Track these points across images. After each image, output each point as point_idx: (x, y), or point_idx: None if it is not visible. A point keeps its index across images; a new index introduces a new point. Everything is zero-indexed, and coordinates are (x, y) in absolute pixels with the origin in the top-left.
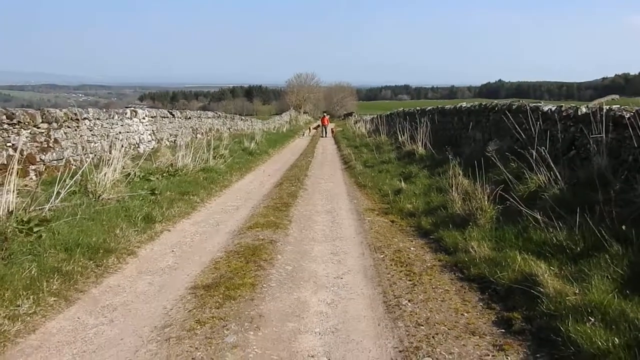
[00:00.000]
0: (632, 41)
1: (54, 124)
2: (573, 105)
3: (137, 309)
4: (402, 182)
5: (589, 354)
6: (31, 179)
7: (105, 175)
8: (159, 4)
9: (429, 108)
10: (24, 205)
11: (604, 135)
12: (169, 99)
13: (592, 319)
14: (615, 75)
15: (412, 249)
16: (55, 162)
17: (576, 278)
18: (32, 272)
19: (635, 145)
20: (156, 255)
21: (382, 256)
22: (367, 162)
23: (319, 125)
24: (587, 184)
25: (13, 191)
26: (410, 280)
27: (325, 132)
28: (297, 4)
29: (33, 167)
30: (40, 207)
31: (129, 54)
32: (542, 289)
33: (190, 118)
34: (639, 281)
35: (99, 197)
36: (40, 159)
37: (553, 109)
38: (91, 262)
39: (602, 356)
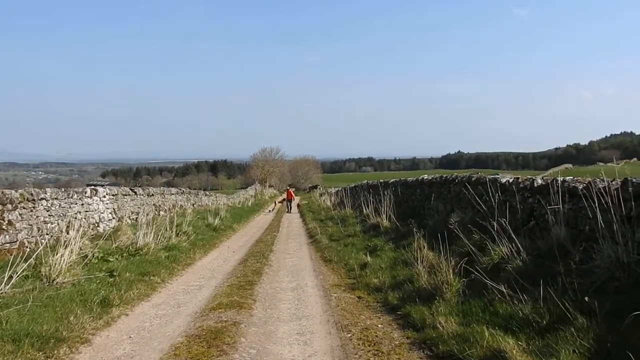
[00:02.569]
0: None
1: (9, 206)
2: (530, 176)
3: None
4: (368, 256)
5: None
6: None
7: (61, 257)
8: (125, 79)
9: (392, 180)
10: None
11: (560, 206)
12: (132, 175)
13: None
14: (567, 145)
15: (379, 326)
16: (8, 245)
17: (544, 353)
18: None
19: (590, 215)
20: (112, 342)
21: (349, 335)
22: (332, 236)
23: (284, 199)
24: (548, 254)
25: None
26: None
27: (290, 208)
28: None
29: None
30: None
31: (91, 131)
32: None
33: (152, 195)
34: (606, 354)
35: (53, 281)
36: None
37: (511, 180)
38: (40, 353)
39: None
